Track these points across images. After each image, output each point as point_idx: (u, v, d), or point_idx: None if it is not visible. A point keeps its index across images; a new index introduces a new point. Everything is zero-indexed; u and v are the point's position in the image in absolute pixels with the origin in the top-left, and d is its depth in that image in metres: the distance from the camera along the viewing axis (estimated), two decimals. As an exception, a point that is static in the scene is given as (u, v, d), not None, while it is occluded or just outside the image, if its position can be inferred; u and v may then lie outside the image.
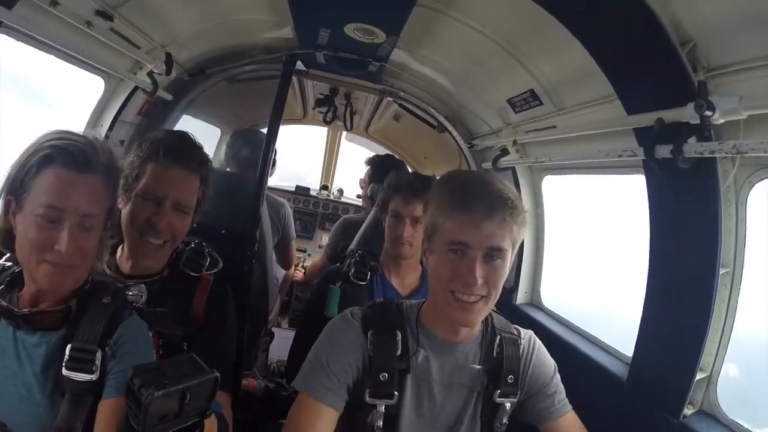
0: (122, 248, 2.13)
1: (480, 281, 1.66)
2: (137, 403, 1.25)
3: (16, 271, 1.66)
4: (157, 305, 2.02)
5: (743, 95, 1.70)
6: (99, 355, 1.55)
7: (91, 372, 1.53)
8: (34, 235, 1.49)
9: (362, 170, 4.97)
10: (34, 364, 1.55)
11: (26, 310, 1.58)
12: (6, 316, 1.58)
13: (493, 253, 1.68)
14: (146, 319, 1.81)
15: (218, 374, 1.37)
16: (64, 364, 1.53)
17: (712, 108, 1.71)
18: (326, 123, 6.13)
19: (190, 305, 2.15)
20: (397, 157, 5.35)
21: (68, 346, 1.54)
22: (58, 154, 1.50)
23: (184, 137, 2.17)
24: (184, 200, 2.06)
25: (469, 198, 1.68)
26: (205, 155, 2.18)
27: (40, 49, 2.60)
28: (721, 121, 1.75)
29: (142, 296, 1.78)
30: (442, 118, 4.42)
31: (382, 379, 1.78)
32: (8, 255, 1.71)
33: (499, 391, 1.86)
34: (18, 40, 2.39)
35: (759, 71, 1.72)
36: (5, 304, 1.58)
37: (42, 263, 1.51)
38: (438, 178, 2.57)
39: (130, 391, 1.28)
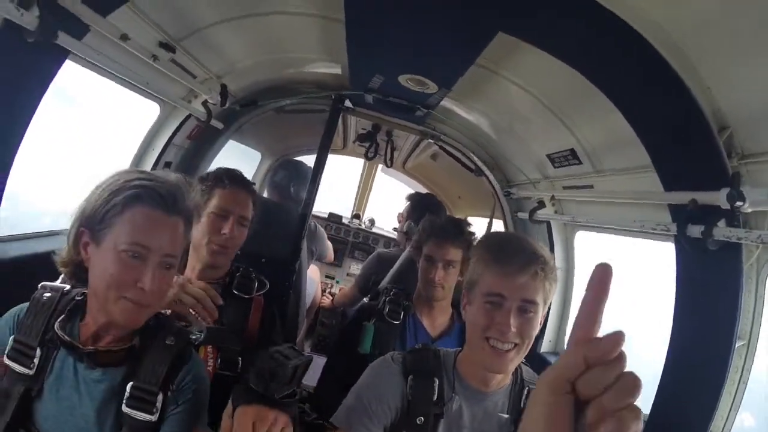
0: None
1: (513, 330, 1.77)
2: (283, 367, 1.58)
3: (77, 299, 1.68)
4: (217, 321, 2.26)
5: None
6: (161, 397, 1.60)
7: (151, 413, 1.58)
8: (116, 271, 1.51)
9: (397, 203, 5.05)
10: (93, 399, 1.59)
11: (91, 348, 1.60)
12: (68, 348, 1.61)
13: (527, 306, 1.79)
14: (208, 336, 2.01)
15: (311, 356, 1.70)
16: (124, 401, 1.57)
17: (742, 198, 1.84)
18: (368, 158, 6.23)
19: (246, 323, 2.42)
20: (437, 198, 5.38)
21: (129, 384, 1.58)
22: (146, 194, 1.54)
23: (236, 171, 2.66)
24: (245, 214, 2.54)
25: (506, 254, 1.83)
26: (252, 183, 2.69)
27: (103, 75, 2.73)
28: (750, 210, 1.88)
29: (201, 335, 1.94)
30: (480, 163, 4.53)
31: (418, 423, 1.88)
32: (62, 277, 1.78)
33: None
34: (84, 66, 2.53)
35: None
36: (68, 339, 1.60)
37: (120, 299, 1.53)
38: (478, 237, 2.72)
39: (273, 359, 1.60)
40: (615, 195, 2.87)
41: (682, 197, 2.15)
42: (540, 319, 1.85)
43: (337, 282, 6.82)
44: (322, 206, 7.50)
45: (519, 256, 1.80)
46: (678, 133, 2.13)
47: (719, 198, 1.91)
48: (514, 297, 1.79)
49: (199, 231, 2.42)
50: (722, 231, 1.98)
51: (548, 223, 3.82)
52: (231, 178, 2.56)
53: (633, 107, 2.28)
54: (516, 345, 1.80)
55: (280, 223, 3.65)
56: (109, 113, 4.02)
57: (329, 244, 5.42)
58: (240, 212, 2.51)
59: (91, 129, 4.40)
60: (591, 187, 3.17)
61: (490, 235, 2.13)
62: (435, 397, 1.91)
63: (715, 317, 2.19)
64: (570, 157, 3.20)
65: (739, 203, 1.84)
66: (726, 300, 2.12)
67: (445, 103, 3.73)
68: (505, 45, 2.50)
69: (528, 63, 2.71)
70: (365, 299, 3.99)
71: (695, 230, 2.08)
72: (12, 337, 1.61)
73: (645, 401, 2.63)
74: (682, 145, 2.15)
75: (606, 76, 2.27)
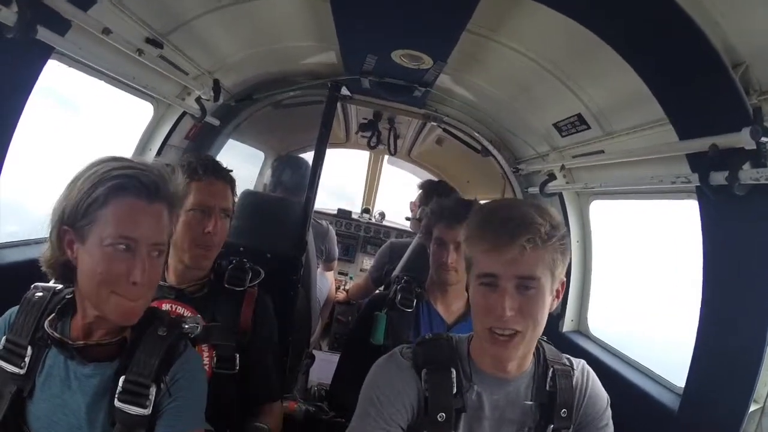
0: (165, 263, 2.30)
1: (510, 313, 1.59)
2: None
3: (68, 297, 1.64)
4: (208, 320, 2.18)
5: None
6: (153, 390, 1.54)
7: (144, 407, 1.52)
8: (105, 267, 1.47)
9: (407, 194, 5.03)
10: (85, 394, 1.55)
11: (81, 342, 1.57)
12: (58, 345, 1.57)
13: (526, 283, 1.61)
14: (200, 334, 1.86)
15: None
16: (116, 395, 1.53)
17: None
18: (370, 148, 6.15)
19: (239, 318, 2.32)
20: (449, 184, 5.28)
21: (122, 378, 1.54)
22: (129, 183, 1.48)
23: (209, 157, 2.52)
24: (226, 206, 2.37)
25: (492, 226, 1.63)
26: (229, 170, 2.49)
27: (91, 75, 2.68)
28: (778, 146, 1.71)
29: (197, 327, 1.76)
30: (486, 142, 4.40)
31: (440, 419, 1.71)
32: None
33: (552, 426, 1.78)
34: (70, 66, 2.47)
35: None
36: (57, 335, 1.56)
37: (112, 295, 1.48)
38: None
39: None
40: (628, 155, 2.70)
41: (701, 144, 1.98)
42: (546, 294, 1.65)
43: (350, 278, 6.78)
44: (331, 204, 7.46)
45: (505, 227, 1.60)
46: (690, 76, 1.97)
47: (742, 138, 1.74)
48: (507, 275, 1.60)
49: (179, 230, 2.21)
50: (749, 173, 1.80)
51: (560, 196, 3.66)
52: (205, 167, 2.34)
53: (640, 56, 2.12)
54: (518, 332, 1.63)
55: (282, 218, 3.60)
56: (111, 120, 3.98)
57: (336, 250, 5.48)
58: (221, 205, 2.35)
59: (95, 136, 4.38)
60: (602, 152, 3.01)
61: (479, 208, 1.92)
62: (454, 390, 1.74)
63: (748, 272, 2.01)
64: (577, 123, 3.05)
65: (764, 139, 1.68)
66: (761, 248, 1.94)
67: (444, 80, 3.62)
68: (498, 6, 2.39)
69: (525, 24, 2.56)
70: (379, 290, 3.90)
71: (719, 177, 1.91)
72: (3, 338, 1.61)
73: (678, 373, 2.49)
74: (696, 89, 1.99)
75: (608, 24, 2.11)
